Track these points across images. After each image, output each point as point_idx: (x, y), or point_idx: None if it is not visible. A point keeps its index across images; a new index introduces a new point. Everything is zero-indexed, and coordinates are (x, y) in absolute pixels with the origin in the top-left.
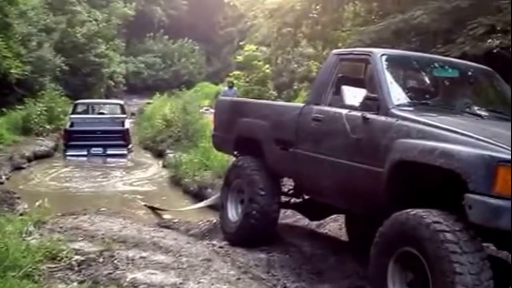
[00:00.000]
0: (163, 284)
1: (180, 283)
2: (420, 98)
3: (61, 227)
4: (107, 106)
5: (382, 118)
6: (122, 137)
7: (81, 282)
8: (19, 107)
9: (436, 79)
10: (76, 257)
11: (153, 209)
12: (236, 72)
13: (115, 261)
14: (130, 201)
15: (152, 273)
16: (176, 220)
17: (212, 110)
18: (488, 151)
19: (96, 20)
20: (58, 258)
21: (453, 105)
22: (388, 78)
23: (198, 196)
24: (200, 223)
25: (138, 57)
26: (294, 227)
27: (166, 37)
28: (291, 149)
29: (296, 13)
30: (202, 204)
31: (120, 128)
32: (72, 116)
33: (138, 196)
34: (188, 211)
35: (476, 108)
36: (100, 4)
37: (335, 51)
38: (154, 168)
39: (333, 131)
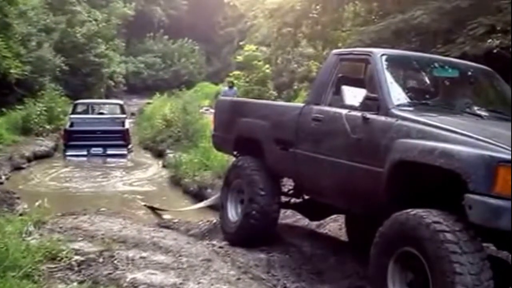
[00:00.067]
0: (163, 284)
1: (180, 283)
2: (420, 98)
3: (61, 227)
4: (107, 106)
5: (382, 118)
6: (122, 137)
7: (81, 282)
8: (19, 107)
9: (436, 79)
10: (76, 257)
11: (153, 209)
12: (236, 72)
13: (115, 261)
14: (130, 201)
15: (152, 273)
16: (176, 220)
17: (212, 110)
18: (488, 151)
19: (96, 20)
20: (58, 258)
21: (453, 105)
22: (388, 78)
23: (198, 196)
24: (200, 223)
25: (138, 57)
26: (294, 227)
27: (166, 37)
28: (291, 149)
29: (296, 13)
30: (202, 204)
31: (120, 128)
32: (72, 116)
33: (138, 196)
34: (188, 211)
35: (476, 108)
36: (100, 4)
37: (335, 51)
38: (154, 168)
39: (333, 131)
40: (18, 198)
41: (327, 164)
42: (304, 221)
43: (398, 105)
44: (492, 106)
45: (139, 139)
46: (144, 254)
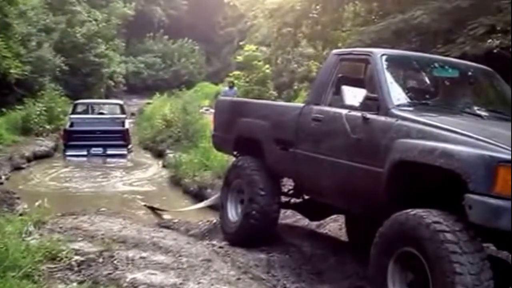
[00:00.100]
0: (163, 285)
1: (180, 284)
2: (420, 98)
3: (61, 227)
4: (107, 106)
5: (382, 118)
6: (122, 137)
7: (80, 283)
8: (18, 107)
9: (436, 79)
10: (76, 257)
11: (153, 209)
12: (236, 72)
13: (115, 262)
14: (130, 201)
15: (152, 274)
16: (176, 220)
17: (212, 110)
18: (488, 151)
19: (95, 20)
20: (58, 258)
21: (453, 105)
22: (388, 78)
23: (198, 196)
24: (200, 223)
25: (138, 57)
26: (294, 227)
27: (166, 37)
28: (291, 149)
29: (296, 13)
30: (202, 204)
31: (120, 128)
32: (72, 116)
33: (138, 196)
34: (188, 212)
35: (476, 108)
36: (99, 4)
37: (335, 51)
38: (154, 168)
39: (333, 131)
40: (18, 198)
41: (327, 164)
42: (304, 221)
43: (398, 105)
44: (492, 106)
45: (139, 139)
46: (144, 254)
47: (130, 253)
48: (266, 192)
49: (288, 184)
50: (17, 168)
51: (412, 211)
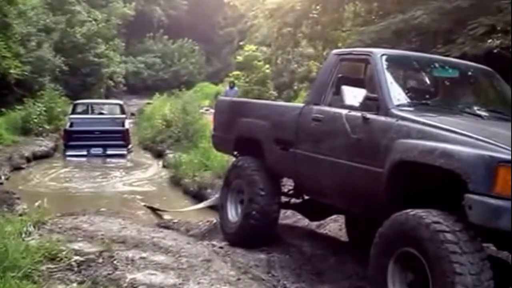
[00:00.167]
0: (163, 285)
1: (180, 284)
2: (420, 98)
3: (60, 228)
4: (107, 106)
5: (382, 118)
6: (122, 137)
7: (80, 283)
8: (18, 107)
9: (436, 79)
10: (76, 257)
11: (153, 209)
12: (236, 72)
13: (115, 262)
14: (129, 201)
15: (152, 274)
16: (176, 221)
17: (212, 110)
18: (488, 152)
19: (95, 20)
20: (58, 259)
21: (453, 105)
22: (388, 78)
23: (198, 196)
24: (200, 223)
25: (137, 57)
26: (294, 227)
27: (165, 37)
28: (291, 149)
29: (296, 13)
30: (202, 204)
31: (119, 128)
32: (72, 116)
33: (138, 197)
34: (188, 212)
35: (476, 108)
36: (99, 4)
37: (335, 51)
38: (154, 169)
39: (333, 131)
40: (17, 198)
41: (327, 164)
42: (304, 222)
43: (398, 105)
44: (492, 106)
45: (139, 139)
46: (144, 255)
47: (130, 253)
48: (266, 192)
49: (288, 184)
50: (17, 168)
51: (412, 211)
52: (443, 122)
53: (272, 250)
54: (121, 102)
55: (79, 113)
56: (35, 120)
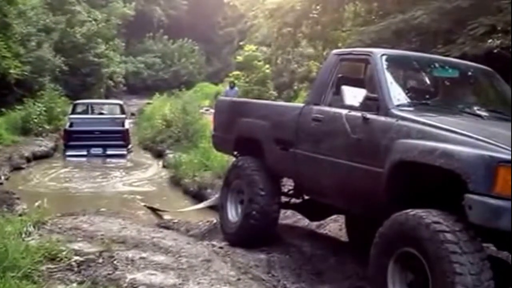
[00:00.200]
0: (163, 285)
1: (180, 284)
2: (420, 98)
3: (60, 228)
4: (107, 106)
5: (382, 118)
6: (122, 137)
7: (80, 283)
8: (18, 107)
9: (436, 79)
10: (76, 257)
11: (152, 209)
12: (236, 72)
13: (115, 262)
14: (129, 201)
15: (152, 274)
16: (176, 221)
17: (212, 110)
18: (488, 152)
19: (95, 20)
20: (58, 259)
21: (453, 105)
22: (388, 78)
23: (198, 196)
24: (200, 223)
25: (137, 57)
26: (294, 227)
27: (165, 37)
28: (291, 149)
29: (296, 13)
30: (202, 205)
31: (119, 128)
32: (72, 116)
33: (138, 197)
34: (188, 212)
35: (476, 108)
36: (99, 4)
37: (335, 51)
38: (154, 169)
39: (333, 131)
40: (17, 198)
41: (327, 164)
42: (304, 222)
43: (398, 105)
44: (492, 106)
45: (139, 139)
46: (143, 255)
47: (130, 254)
48: (266, 192)
49: (288, 184)
50: (17, 168)
51: (412, 211)
52: (443, 122)
53: (272, 250)
54: (121, 102)
55: (79, 113)
56: (35, 120)
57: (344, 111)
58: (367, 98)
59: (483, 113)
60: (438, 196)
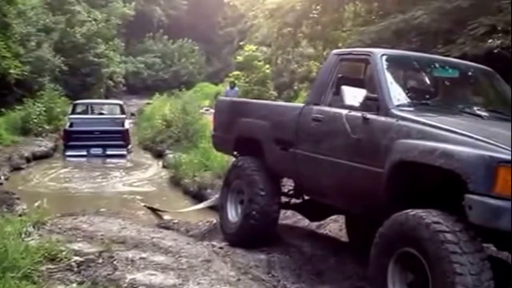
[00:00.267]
0: (163, 285)
1: (180, 284)
2: (420, 98)
3: (60, 228)
4: (107, 106)
5: (382, 118)
6: (122, 138)
7: (80, 283)
8: (18, 107)
9: (436, 79)
10: (75, 258)
11: (152, 210)
12: (236, 72)
13: (115, 262)
14: (129, 201)
15: (152, 274)
16: (175, 221)
17: (212, 111)
18: (488, 152)
19: (95, 20)
20: (57, 259)
21: (453, 105)
22: (388, 78)
23: (198, 196)
24: (200, 223)
25: (137, 57)
26: (294, 227)
27: (165, 37)
28: (291, 149)
29: (296, 13)
30: (202, 205)
31: (119, 128)
32: (72, 116)
33: (138, 197)
34: (188, 212)
35: (476, 108)
36: (99, 4)
37: (335, 51)
38: (154, 169)
39: (333, 131)
40: (17, 198)
41: (327, 164)
42: (304, 222)
43: (398, 105)
44: (492, 106)
45: (139, 139)
46: (143, 255)
47: (130, 254)
48: (266, 193)
49: (288, 184)
50: (17, 168)
51: (412, 211)
52: (443, 122)
53: (272, 250)
54: (121, 102)
55: (79, 113)
56: (35, 120)
57: (344, 111)
58: (367, 98)
59: (483, 113)
60: (438, 196)
